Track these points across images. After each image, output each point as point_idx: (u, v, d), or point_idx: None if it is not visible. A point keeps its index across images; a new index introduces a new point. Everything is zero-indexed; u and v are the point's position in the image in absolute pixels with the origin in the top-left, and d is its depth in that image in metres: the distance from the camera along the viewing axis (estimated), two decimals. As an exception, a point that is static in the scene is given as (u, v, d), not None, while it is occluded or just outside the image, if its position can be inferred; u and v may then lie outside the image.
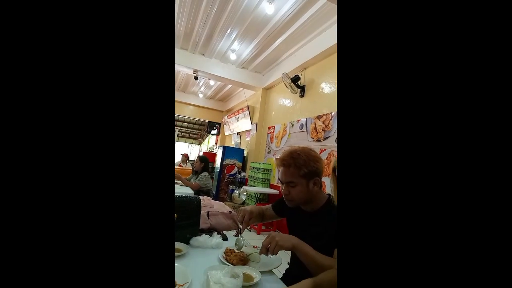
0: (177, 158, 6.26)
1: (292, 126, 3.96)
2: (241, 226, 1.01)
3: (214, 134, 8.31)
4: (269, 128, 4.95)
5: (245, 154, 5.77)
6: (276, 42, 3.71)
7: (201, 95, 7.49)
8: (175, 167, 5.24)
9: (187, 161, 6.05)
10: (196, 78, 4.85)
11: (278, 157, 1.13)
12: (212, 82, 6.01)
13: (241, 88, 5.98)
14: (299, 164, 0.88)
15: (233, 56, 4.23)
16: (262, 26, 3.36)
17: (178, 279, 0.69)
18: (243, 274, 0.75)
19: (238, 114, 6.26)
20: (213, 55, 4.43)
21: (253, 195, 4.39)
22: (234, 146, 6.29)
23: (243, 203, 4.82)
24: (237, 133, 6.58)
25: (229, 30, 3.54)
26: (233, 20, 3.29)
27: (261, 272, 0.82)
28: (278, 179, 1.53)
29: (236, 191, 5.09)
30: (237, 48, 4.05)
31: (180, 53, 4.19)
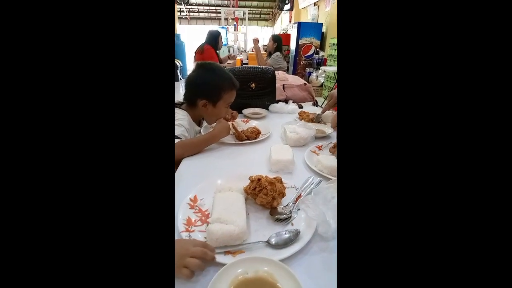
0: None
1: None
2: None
3: (287, 10, 7.20)
4: (356, -14, 3.82)
5: (323, 30, 4.98)
6: None
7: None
8: (249, 53, 5.22)
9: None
10: None
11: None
12: None
13: None
14: None
15: None
16: None
17: (261, 129, 0.85)
18: (316, 129, 0.84)
19: (315, -26, 4.95)
20: None
21: (333, 75, 4.11)
22: (311, 21, 5.42)
23: (322, 86, 4.68)
24: (314, 3, 5.46)
25: None
26: None
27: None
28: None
29: (314, 74, 4.84)
30: None
31: None
